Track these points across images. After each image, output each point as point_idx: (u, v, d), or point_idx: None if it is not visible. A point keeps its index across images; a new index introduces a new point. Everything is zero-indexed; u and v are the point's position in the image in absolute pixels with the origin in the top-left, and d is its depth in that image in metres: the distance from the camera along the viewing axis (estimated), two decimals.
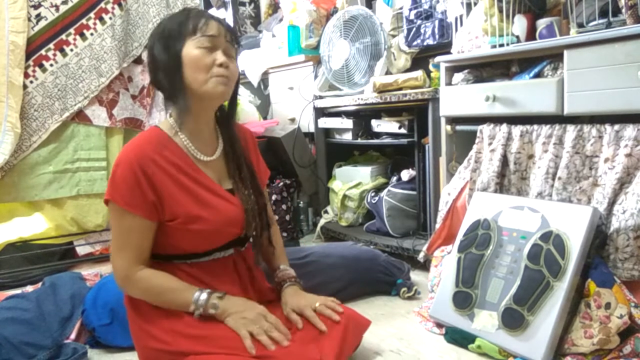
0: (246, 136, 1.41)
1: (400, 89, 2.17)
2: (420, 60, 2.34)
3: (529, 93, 1.61)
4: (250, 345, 1.11)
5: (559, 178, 1.51)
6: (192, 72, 1.18)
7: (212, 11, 3.63)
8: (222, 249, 1.28)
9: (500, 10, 1.73)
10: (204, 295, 1.17)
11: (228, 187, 1.29)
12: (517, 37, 1.73)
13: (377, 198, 2.34)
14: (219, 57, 1.19)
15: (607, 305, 1.26)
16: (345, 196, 2.54)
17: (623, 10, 1.41)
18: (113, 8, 2.24)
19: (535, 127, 1.61)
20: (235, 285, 1.29)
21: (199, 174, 1.23)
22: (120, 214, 1.16)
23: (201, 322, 1.17)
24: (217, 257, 1.27)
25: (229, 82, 1.22)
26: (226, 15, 3.66)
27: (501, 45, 1.71)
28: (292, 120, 2.87)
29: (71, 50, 2.16)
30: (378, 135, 2.42)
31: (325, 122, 2.65)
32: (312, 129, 2.74)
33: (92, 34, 2.20)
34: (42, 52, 2.10)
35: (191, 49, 1.18)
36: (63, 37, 2.14)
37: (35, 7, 2.08)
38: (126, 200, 1.14)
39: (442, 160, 1.98)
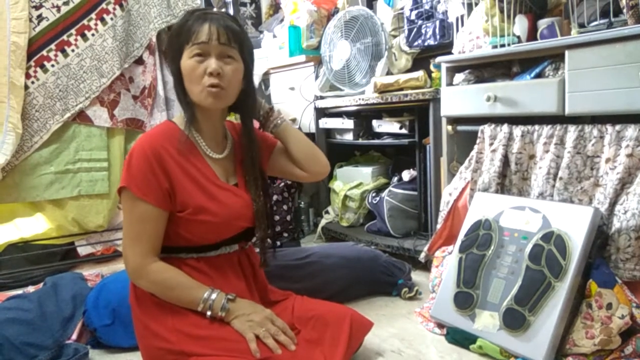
0: (260, 138, 1.42)
1: (401, 89, 2.17)
2: (421, 60, 2.33)
3: (530, 93, 1.61)
4: (255, 349, 1.11)
5: (560, 178, 1.51)
6: (188, 83, 1.21)
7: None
8: (229, 242, 1.29)
9: (501, 11, 1.73)
10: (214, 295, 1.17)
11: (234, 183, 1.31)
12: (518, 37, 1.72)
13: (378, 198, 2.34)
14: (210, 64, 1.18)
15: (609, 306, 1.26)
16: (346, 196, 2.54)
17: (624, 11, 1.41)
18: (114, 9, 2.24)
19: (537, 127, 1.61)
20: (241, 280, 1.30)
21: (207, 169, 1.25)
22: (134, 202, 1.16)
23: (207, 323, 1.17)
24: (223, 252, 1.28)
25: (221, 91, 1.20)
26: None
27: (502, 46, 1.71)
28: (293, 120, 2.87)
29: (72, 50, 2.16)
30: (379, 135, 2.42)
31: (326, 123, 2.65)
32: (313, 130, 2.74)
33: (93, 35, 2.20)
34: (44, 52, 2.10)
35: (186, 60, 1.20)
36: (64, 37, 2.15)
37: (37, 7, 2.08)
38: (141, 188, 1.15)
39: (443, 160, 1.97)
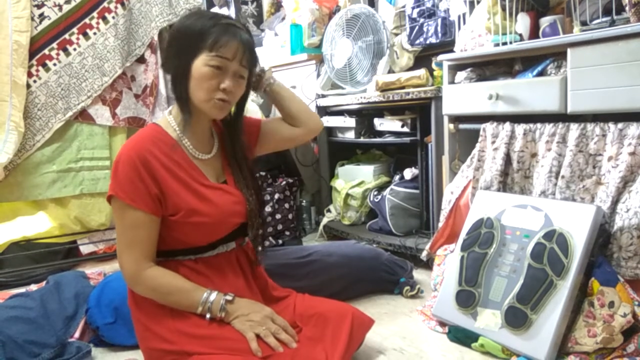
0: (247, 130, 1.41)
1: (403, 87, 2.17)
2: (423, 58, 2.33)
3: (532, 91, 1.60)
4: (256, 348, 1.11)
5: (563, 177, 1.51)
6: (196, 87, 1.19)
7: (215, 10, 3.63)
8: (225, 240, 1.29)
9: (504, 9, 1.73)
10: (212, 297, 1.17)
11: (222, 180, 1.31)
12: (520, 35, 1.72)
13: (379, 197, 2.34)
14: (226, 82, 1.18)
15: (611, 304, 1.26)
16: (347, 195, 2.54)
17: (627, 9, 1.41)
18: (116, 7, 2.24)
19: (539, 125, 1.61)
20: (240, 279, 1.30)
21: (196, 171, 1.25)
22: (124, 210, 1.15)
23: (207, 322, 1.17)
24: (220, 251, 1.28)
25: (228, 105, 1.22)
26: (228, 14, 3.66)
27: (504, 44, 1.71)
28: None
29: (74, 49, 2.16)
30: (381, 133, 2.42)
31: (328, 121, 2.65)
32: None
33: (95, 34, 2.20)
34: (46, 51, 2.10)
35: (201, 65, 1.17)
36: (66, 36, 2.15)
37: (39, 6, 2.08)
38: (130, 195, 1.14)
39: (445, 158, 1.97)
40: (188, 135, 1.25)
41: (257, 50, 1.31)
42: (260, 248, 1.35)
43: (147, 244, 1.18)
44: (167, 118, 1.26)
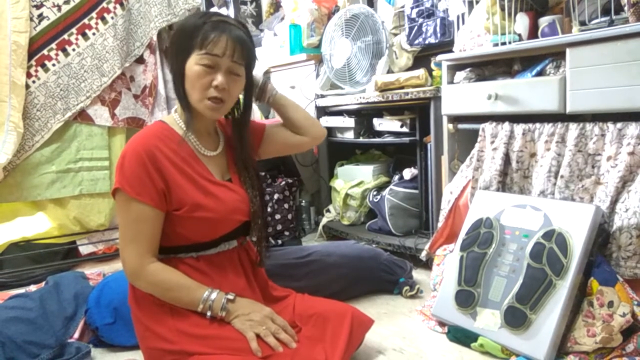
0: (251, 132, 1.42)
1: (402, 87, 2.17)
2: (422, 58, 2.33)
3: (531, 91, 1.61)
4: (256, 348, 1.12)
5: (562, 176, 1.51)
6: (189, 87, 1.20)
7: (214, 10, 3.63)
8: (227, 238, 1.29)
9: (502, 9, 1.73)
10: (213, 295, 1.17)
11: (227, 178, 1.32)
12: (519, 35, 1.72)
13: (379, 197, 2.34)
14: (218, 79, 1.18)
15: (610, 304, 1.26)
16: (347, 195, 2.54)
17: (625, 8, 1.41)
18: (115, 8, 2.24)
19: (538, 125, 1.61)
20: (241, 277, 1.30)
21: (201, 167, 1.25)
22: (129, 203, 1.16)
23: (207, 322, 1.17)
24: (222, 249, 1.28)
25: (222, 105, 1.22)
26: (227, 14, 3.66)
27: (503, 44, 1.71)
28: None
29: (73, 50, 2.17)
30: (380, 134, 2.42)
31: (327, 121, 2.65)
32: None
33: (94, 34, 2.20)
34: (45, 52, 2.11)
35: (192, 64, 1.18)
36: (65, 36, 2.15)
37: (38, 7, 2.08)
38: (135, 189, 1.14)
39: (444, 158, 1.97)
40: (193, 130, 1.26)
41: (257, 50, 1.32)
42: (262, 249, 1.35)
43: (150, 238, 1.18)
44: (173, 115, 1.28)
